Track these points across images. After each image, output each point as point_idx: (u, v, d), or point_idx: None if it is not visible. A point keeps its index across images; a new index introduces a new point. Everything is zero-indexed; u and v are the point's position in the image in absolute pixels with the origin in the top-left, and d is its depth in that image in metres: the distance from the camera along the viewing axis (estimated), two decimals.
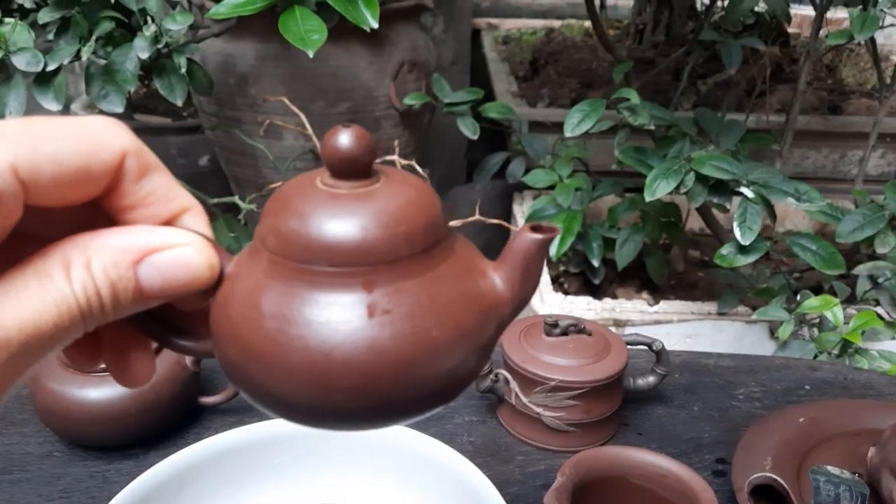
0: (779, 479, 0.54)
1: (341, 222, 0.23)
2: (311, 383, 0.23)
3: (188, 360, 0.64)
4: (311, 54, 0.95)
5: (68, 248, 0.22)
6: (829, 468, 0.41)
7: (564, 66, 2.11)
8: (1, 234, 0.21)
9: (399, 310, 0.23)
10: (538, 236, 0.26)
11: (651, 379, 0.69)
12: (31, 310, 0.21)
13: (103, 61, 0.93)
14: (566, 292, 1.43)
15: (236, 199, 1.18)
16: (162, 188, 0.24)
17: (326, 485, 0.54)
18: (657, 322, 1.25)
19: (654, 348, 0.68)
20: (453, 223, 1.42)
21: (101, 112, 1.04)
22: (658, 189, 0.99)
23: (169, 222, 0.25)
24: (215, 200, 1.18)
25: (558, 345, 0.66)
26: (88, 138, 0.22)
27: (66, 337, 0.22)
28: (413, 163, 1.04)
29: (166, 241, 0.23)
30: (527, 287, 0.26)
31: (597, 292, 1.44)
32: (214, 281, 0.24)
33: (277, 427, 0.54)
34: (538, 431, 0.66)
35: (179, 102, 1.01)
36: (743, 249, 1.00)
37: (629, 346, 0.68)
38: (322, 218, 0.23)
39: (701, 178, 1.04)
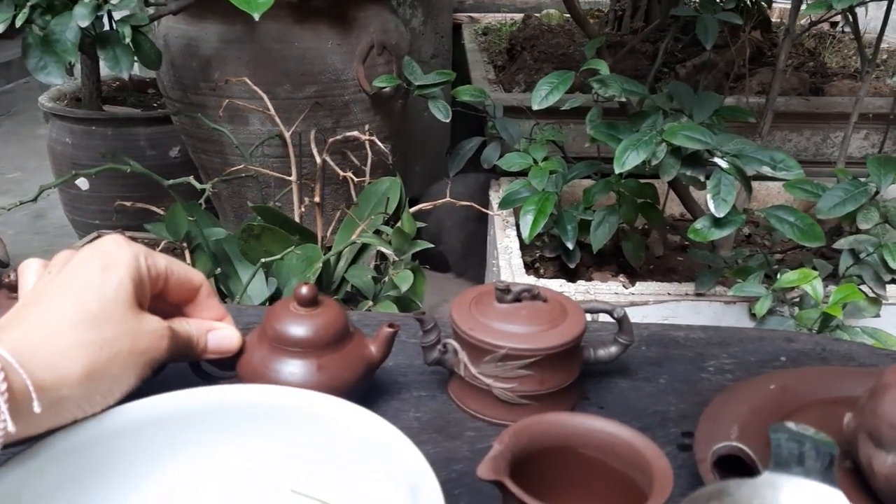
0: (745, 448, 0.49)
1: (303, 328, 0.57)
2: None
3: None
4: (256, 17, 0.90)
5: (187, 320, 0.54)
6: (792, 424, 0.36)
7: (540, 51, 2.06)
8: (146, 299, 0.51)
9: (330, 366, 0.57)
10: (391, 330, 0.60)
11: (613, 349, 0.65)
12: (179, 326, 0.52)
13: (41, 31, 0.88)
14: (541, 277, 1.38)
15: (191, 179, 1.13)
16: (214, 303, 0.57)
17: (240, 457, 0.49)
18: (633, 304, 1.20)
19: (616, 315, 0.63)
20: (424, 205, 1.38)
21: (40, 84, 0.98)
22: (628, 160, 0.95)
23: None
24: (170, 182, 1.13)
25: (510, 312, 0.61)
26: (191, 269, 0.54)
27: (183, 347, 0.53)
28: (374, 138, 0.99)
29: (221, 326, 0.56)
30: (386, 351, 0.60)
31: (573, 277, 1.39)
32: (239, 350, 0.56)
33: (182, 400, 0.49)
34: (489, 405, 0.61)
35: (125, 75, 0.96)
36: (717, 222, 0.96)
37: (589, 314, 0.63)
38: (293, 326, 0.57)
39: (674, 151, 1.00)
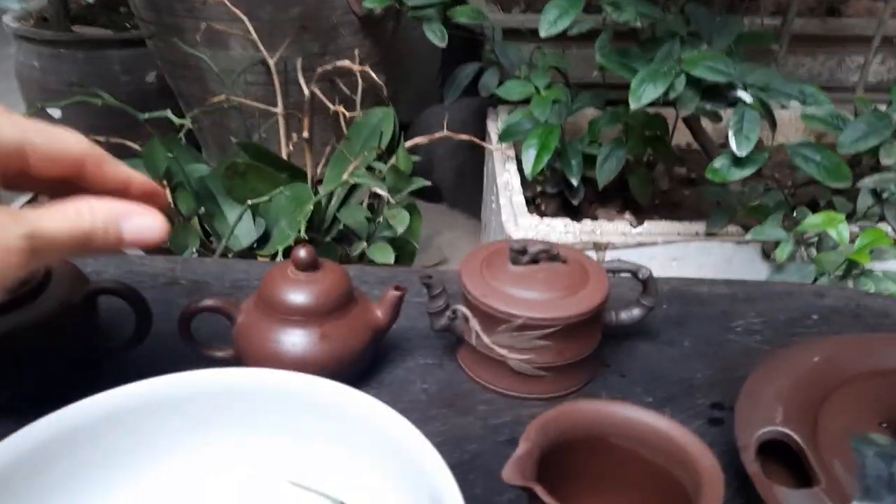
0: (793, 434, 0.44)
1: (303, 294, 0.52)
2: (296, 370, 0.43)
3: (75, 298, 0.52)
4: None
5: (93, 201, 0.34)
6: (876, 437, 0.31)
7: None
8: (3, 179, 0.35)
9: (334, 334, 0.52)
10: (397, 293, 0.55)
11: (636, 312, 0.59)
12: (61, 221, 0.32)
13: None
14: (543, 214, 1.32)
15: (169, 113, 1.04)
16: (122, 173, 0.38)
17: (246, 447, 0.44)
18: (640, 244, 1.15)
19: (641, 276, 0.58)
20: (419, 139, 1.30)
21: None
22: (644, 94, 0.87)
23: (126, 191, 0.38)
24: (147, 116, 1.05)
25: (526, 275, 0.55)
26: (63, 135, 0.36)
27: (71, 248, 0.33)
28: (367, 68, 0.91)
29: (139, 211, 0.35)
30: (393, 316, 0.56)
31: (575, 214, 1.33)
32: (166, 238, 0.35)
33: (182, 382, 0.43)
34: (503, 376, 0.56)
35: None
36: (738, 162, 0.89)
37: (610, 275, 0.57)
38: (293, 292, 0.53)
39: (692, 83, 0.92)
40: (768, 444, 0.47)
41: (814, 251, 1.03)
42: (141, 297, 0.54)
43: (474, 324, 0.55)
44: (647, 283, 0.58)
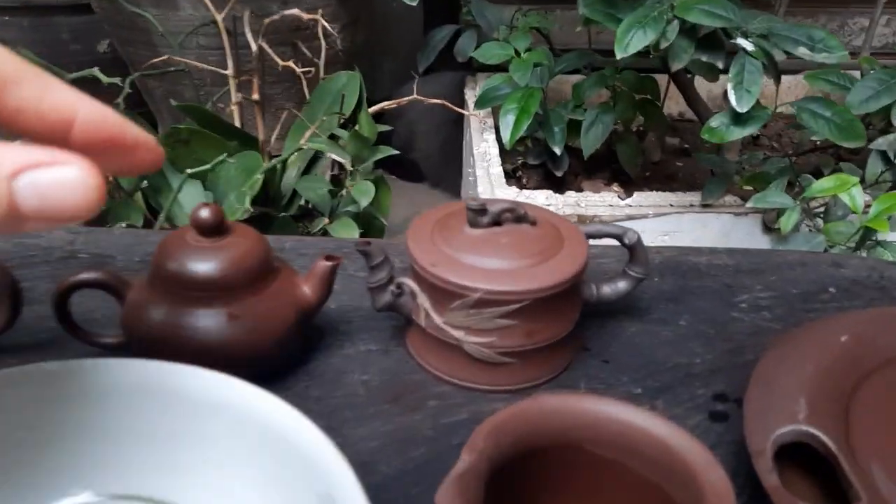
0: (821, 435, 0.34)
1: (207, 265, 0.42)
2: (199, 359, 0.34)
3: None
4: None
5: None
6: None
7: None
8: None
9: (247, 315, 0.42)
10: (329, 263, 0.45)
11: (622, 285, 0.49)
12: None
13: None
14: (524, 187, 1.21)
15: (96, 71, 0.92)
16: (36, 94, 0.23)
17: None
18: (630, 217, 1.04)
19: (627, 242, 0.47)
20: (386, 104, 1.19)
21: None
22: (632, 42, 0.76)
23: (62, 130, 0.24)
24: (74, 75, 0.93)
25: (487, 240, 0.44)
26: None
27: None
28: (319, 17, 0.80)
29: (48, 159, 0.21)
30: (324, 293, 0.45)
31: (560, 187, 1.23)
32: (97, 210, 0.22)
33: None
34: (459, 365, 0.45)
35: None
36: (738, 119, 0.79)
37: (591, 241, 0.47)
38: (194, 262, 0.41)
39: (687, 32, 0.81)
40: (794, 449, 0.37)
41: (820, 223, 0.93)
42: (9, 275, 0.44)
43: (423, 300, 0.44)
44: (634, 250, 0.48)
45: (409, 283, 0.45)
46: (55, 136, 0.24)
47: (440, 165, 2.19)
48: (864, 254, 0.80)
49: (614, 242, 0.49)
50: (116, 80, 0.92)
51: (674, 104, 1.48)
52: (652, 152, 1.36)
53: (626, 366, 0.48)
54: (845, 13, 1.55)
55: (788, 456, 0.37)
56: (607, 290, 0.49)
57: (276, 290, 0.44)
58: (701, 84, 1.22)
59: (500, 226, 0.45)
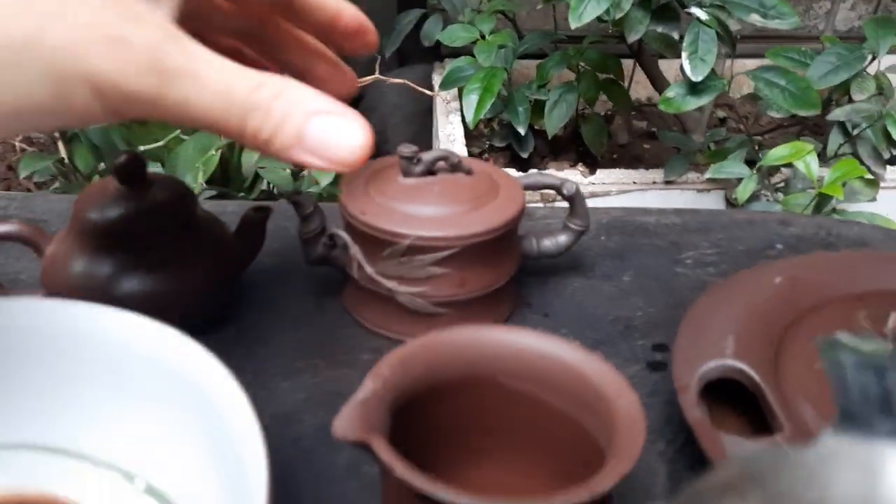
0: (747, 369, 0.34)
1: (126, 213, 0.40)
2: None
3: None
4: None
5: (291, 81, 0.24)
6: (855, 340, 0.20)
7: None
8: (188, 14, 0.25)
9: (168, 268, 0.41)
10: (258, 215, 0.44)
11: (562, 238, 0.48)
12: (218, 81, 0.23)
13: None
14: None
15: None
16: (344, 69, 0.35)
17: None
18: (593, 194, 1.04)
19: (566, 192, 0.47)
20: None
21: None
22: (586, 12, 0.76)
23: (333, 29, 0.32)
24: None
25: (420, 188, 0.43)
26: None
27: (213, 123, 0.24)
28: None
29: (339, 111, 0.25)
30: (254, 245, 0.45)
31: (526, 168, 1.22)
32: (363, 163, 0.25)
33: None
34: (393, 317, 0.44)
35: None
36: (694, 88, 0.78)
37: (529, 191, 0.46)
38: (111, 210, 0.40)
39: (641, 3, 0.81)
40: (721, 387, 0.36)
41: (781, 196, 0.93)
42: None
43: (355, 251, 0.43)
44: (573, 202, 0.47)
45: (342, 234, 0.44)
46: (325, 33, 0.32)
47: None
48: None
49: (562, 203, 0.48)
50: None
51: (641, 89, 1.48)
52: (619, 135, 1.36)
53: (566, 320, 0.47)
54: None
55: (722, 399, 0.36)
56: (548, 243, 0.48)
57: (201, 241, 0.43)
58: (669, 69, 1.22)
59: (433, 175, 0.44)
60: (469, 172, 0.45)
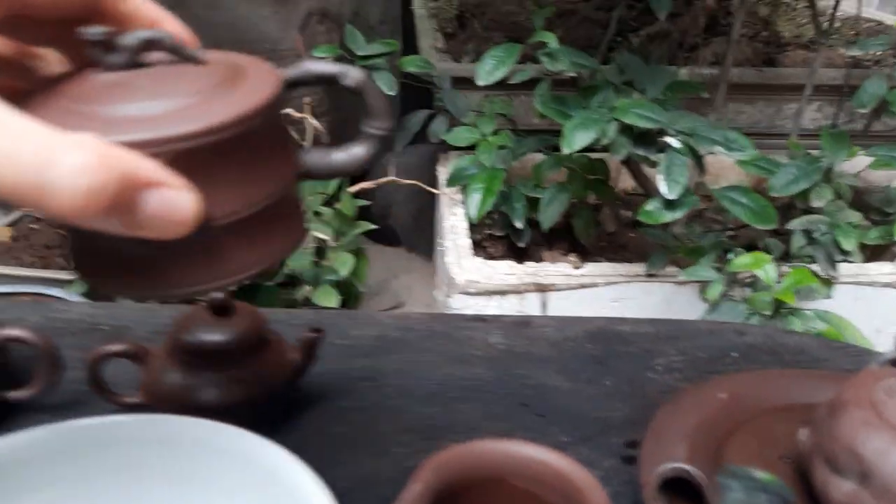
0: (692, 470, 0.45)
1: (217, 337, 0.51)
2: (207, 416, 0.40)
3: None
4: None
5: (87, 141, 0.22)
6: (751, 471, 0.31)
7: (490, 18, 1.99)
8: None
9: (247, 379, 0.51)
10: (313, 335, 0.52)
11: (359, 149, 0.35)
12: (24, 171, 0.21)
13: None
14: (491, 257, 1.33)
15: None
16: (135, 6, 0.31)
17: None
18: (583, 285, 1.16)
19: (350, 83, 0.34)
20: (365, 184, 1.31)
21: None
22: (576, 140, 0.89)
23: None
24: None
25: (122, 84, 0.30)
26: None
27: (20, 201, 0.21)
28: (309, 118, 0.92)
29: (175, 183, 0.24)
30: (310, 358, 0.53)
31: (523, 256, 1.34)
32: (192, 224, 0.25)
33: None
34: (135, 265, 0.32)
35: None
36: (670, 204, 0.92)
37: (294, 82, 0.34)
38: (206, 335, 0.51)
39: (625, 129, 0.95)
40: (677, 484, 0.47)
41: (749, 291, 1.05)
42: (52, 345, 0.54)
43: None
44: (366, 96, 0.34)
45: None
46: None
47: (415, 231, 2.31)
48: (780, 322, 0.91)
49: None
50: None
51: (628, 179, 1.62)
52: (607, 224, 1.49)
53: (557, 419, 0.59)
54: (780, 99, 1.72)
55: (680, 494, 0.48)
56: (342, 156, 0.35)
57: (270, 357, 0.54)
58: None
59: (142, 68, 0.31)
60: (198, 62, 0.31)
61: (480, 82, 1.05)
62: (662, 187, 0.91)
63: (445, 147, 1.75)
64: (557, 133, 1.46)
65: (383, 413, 0.58)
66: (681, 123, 0.93)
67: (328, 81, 0.34)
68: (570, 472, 0.40)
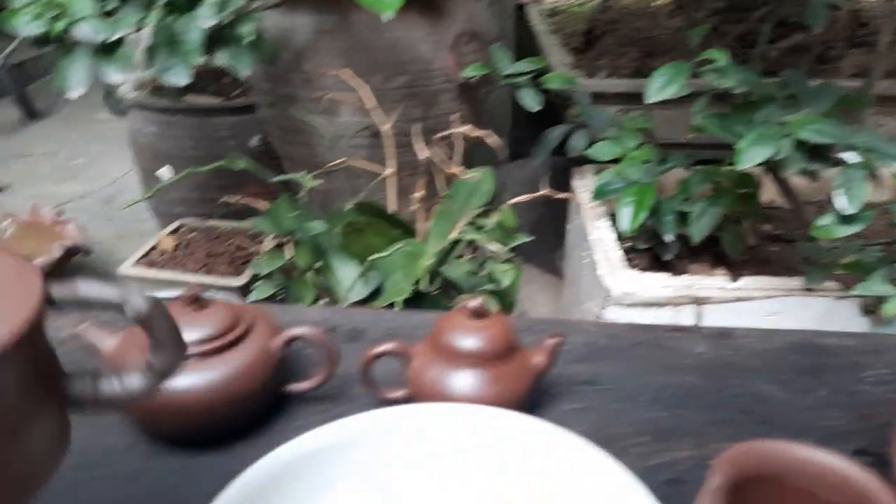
0: None
1: (476, 340, 0.59)
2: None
3: (273, 345, 0.59)
4: (384, 17, 0.89)
5: None
6: None
7: (623, 34, 2.02)
8: None
9: (502, 378, 0.57)
10: (556, 340, 0.60)
11: (135, 382, 0.33)
12: None
13: (166, 32, 0.89)
14: (644, 270, 1.36)
15: (299, 175, 1.13)
16: None
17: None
18: (738, 299, 1.17)
19: (133, 315, 0.31)
20: (523, 198, 1.36)
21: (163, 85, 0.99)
22: (754, 156, 0.92)
23: None
24: (276, 178, 1.14)
25: None
26: None
27: None
28: (478, 132, 0.98)
29: None
30: (552, 361, 0.60)
31: (666, 269, 1.37)
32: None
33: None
34: None
35: (246, 73, 0.96)
36: (846, 219, 0.93)
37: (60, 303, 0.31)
38: (467, 338, 0.59)
39: (798, 145, 0.96)
40: None
41: None
42: (333, 343, 0.61)
43: None
44: (150, 328, 0.31)
45: None
46: None
47: (532, 243, 2.35)
48: None
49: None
50: (314, 182, 1.11)
51: (764, 192, 1.61)
52: (748, 237, 1.50)
53: (781, 426, 0.62)
54: None
55: None
56: (113, 387, 0.32)
57: (519, 359, 0.60)
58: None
59: None
60: None
61: (650, 99, 1.09)
62: (841, 202, 0.92)
63: (573, 161, 1.78)
64: (702, 147, 1.48)
65: (610, 415, 0.63)
66: (856, 138, 0.94)
67: (106, 307, 0.31)
68: (854, 474, 0.44)
